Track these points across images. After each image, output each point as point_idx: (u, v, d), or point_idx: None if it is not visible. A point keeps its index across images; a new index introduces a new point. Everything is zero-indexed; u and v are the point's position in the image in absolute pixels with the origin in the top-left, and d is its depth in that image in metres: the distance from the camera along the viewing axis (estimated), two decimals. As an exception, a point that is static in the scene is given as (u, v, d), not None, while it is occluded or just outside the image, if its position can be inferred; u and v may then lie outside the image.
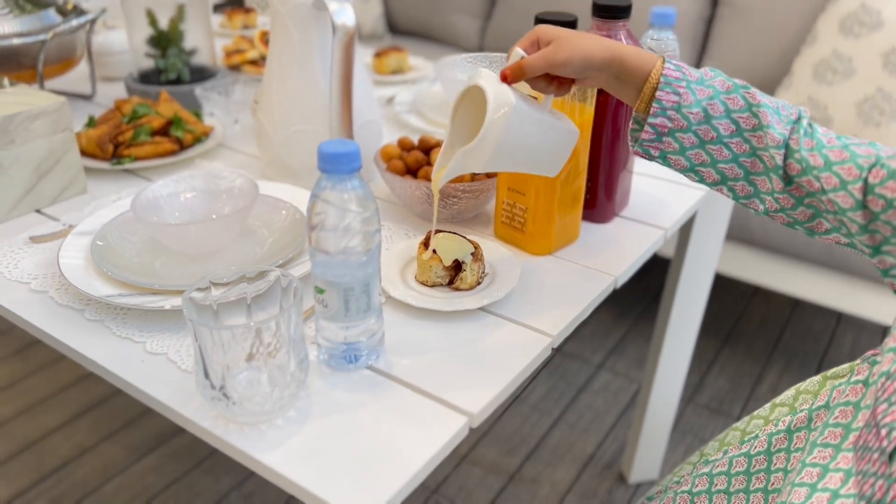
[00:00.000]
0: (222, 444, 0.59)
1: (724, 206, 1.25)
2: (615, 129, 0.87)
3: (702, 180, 0.70)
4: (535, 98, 0.71)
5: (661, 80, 0.65)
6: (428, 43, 2.61)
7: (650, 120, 0.66)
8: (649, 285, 2.18)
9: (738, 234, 1.75)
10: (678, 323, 1.33)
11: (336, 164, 0.58)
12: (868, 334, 2.02)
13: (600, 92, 0.84)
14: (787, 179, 0.66)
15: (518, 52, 0.68)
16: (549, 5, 2.25)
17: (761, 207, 0.69)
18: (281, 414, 0.61)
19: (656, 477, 1.56)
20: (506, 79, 0.68)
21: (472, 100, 0.70)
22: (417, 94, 1.27)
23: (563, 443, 1.65)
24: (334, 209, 0.59)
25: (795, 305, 2.12)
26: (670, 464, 1.60)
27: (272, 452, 0.57)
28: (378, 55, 1.42)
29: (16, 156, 0.87)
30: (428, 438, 0.59)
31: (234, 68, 1.38)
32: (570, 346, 1.94)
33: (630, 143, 0.72)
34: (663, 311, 1.32)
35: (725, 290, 2.18)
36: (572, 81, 0.70)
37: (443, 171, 0.71)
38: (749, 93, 0.66)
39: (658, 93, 0.65)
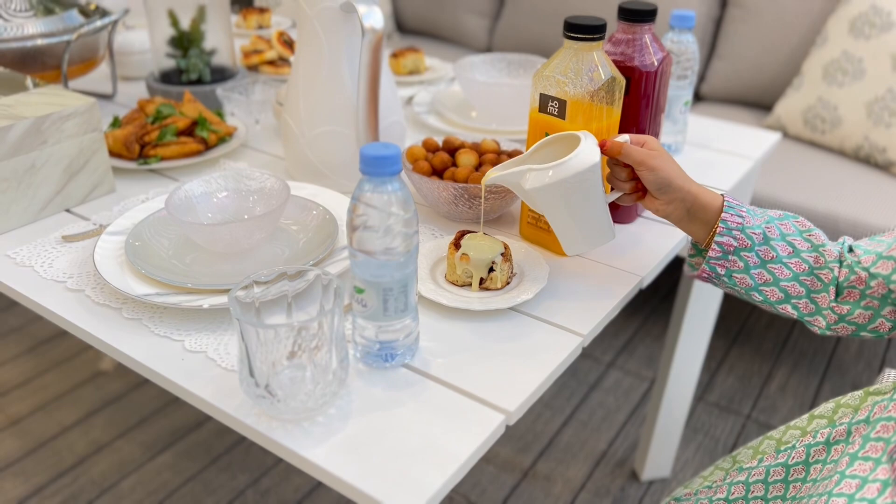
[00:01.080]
0: (267, 440, 0.60)
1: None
2: (639, 130, 0.88)
3: (766, 300, 0.75)
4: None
5: (725, 204, 0.73)
6: (436, 42, 2.62)
7: (717, 238, 0.72)
8: (659, 284, 2.19)
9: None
10: (693, 322, 1.34)
11: (378, 167, 0.59)
12: (876, 333, 2.03)
13: (626, 93, 0.85)
14: (838, 290, 0.73)
15: (624, 136, 0.75)
16: (557, 8, 2.26)
17: (823, 323, 0.75)
18: (322, 411, 0.62)
19: (668, 475, 1.58)
20: (603, 146, 0.74)
21: (564, 145, 0.76)
22: (436, 94, 1.28)
23: (576, 440, 1.66)
24: (376, 211, 0.60)
25: (803, 304, 2.13)
26: (682, 461, 1.61)
27: (316, 449, 0.59)
28: (395, 56, 1.43)
29: (48, 156, 0.89)
30: (466, 436, 0.60)
31: (253, 69, 1.39)
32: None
33: (688, 268, 0.80)
34: (678, 310, 1.34)
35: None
36: (644, 194, 0.76)
37: (501, 173, 0.75)
38: (798, 220, 0.74)
39: (724, 214, 0.72)
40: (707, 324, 1.39)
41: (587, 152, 0.72)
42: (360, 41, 0.88)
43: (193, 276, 0.77)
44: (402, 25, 2.70)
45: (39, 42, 1.11)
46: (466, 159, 0.91)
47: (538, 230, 0.86)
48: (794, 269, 0.73)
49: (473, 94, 1.21)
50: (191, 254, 0.81)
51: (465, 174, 0.88)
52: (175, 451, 1.61)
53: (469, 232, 0.81)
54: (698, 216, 0.74)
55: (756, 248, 0.73)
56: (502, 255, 0.77)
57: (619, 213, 0.93)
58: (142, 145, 1.03)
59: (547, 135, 0.81)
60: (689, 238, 0.81)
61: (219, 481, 1.54)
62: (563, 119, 0.79)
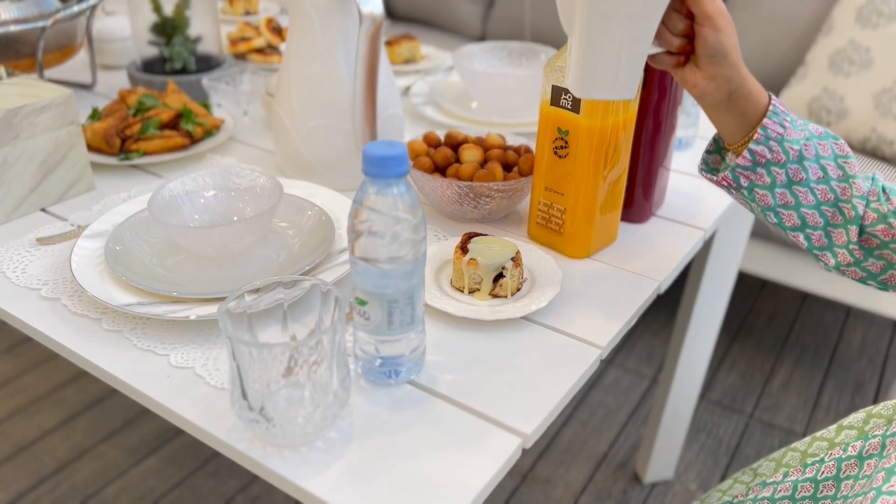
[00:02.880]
0: (261, 469, 0.55)
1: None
2: (656, 123, 0.83)
3: (780, 223, 0.69)
4: None
5: (771, 107, 0.65)
6: (428, 29, 2.55)
7: (752, 146, 0.65)
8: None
9: (752, 229, 1.72)
10: (700, 321, 1.30)
11: (383, 168, 0.54)
12: (878, 328, 2.00)
13: (643, 85, 0.80)
14: (861, 230, 0.67)
15: None
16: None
17: (832, 261, 0.69)
18: (322, 435, 0.57)
19: (671, 476, 1.54)
20: None
21: None
22: (434, 84, 1.23)
23: (576, 441, 1.62)
24: (381, 216, 0.55)
25: (804, 299, 2.10)
26: (685, 463, 1.57)
27: (315, 479, 0.53)
28: (389, 44, 1.37)
29: (20, 151, 0.82)
30: (480, 463, 0.55)
31: (240, 57, 1.33)
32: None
33: (703, 165, 0.73)
34: (685, 308, 1.29)
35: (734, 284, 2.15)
36: (687, 57, 0.66)
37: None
38: (838, 143, 0.67)
39: (766, 120, 0.65)
40: (714, 321, 1.35)
41: None
42: (358, 29, 0.82)
43: (179, 283, 0.72)
44: (392, 12, 2.63)
45: (12, 28, 1.04)
46: (471, 155, 0.86)
47: (549, 231, 0.81)
48: (819, 196, 0.67)
49: (474, 84, 1.15)
50: (175, 258, 0.76)
51: (470, 171, 0.83)
52: (161, 456, 1.55)
53: (476, 234, 0.76)
54: (738, 105, 0.66)
55: (788, 164, 0.66)
56: (512, 259, 0.72)
57: (632, 211, 0.88)
58: (123, 139, 0.97)
59: (560, 130, 0.75)
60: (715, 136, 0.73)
61: (207, 487, 1.48)
62: (578, 113, 0.74)
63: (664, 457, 1.50)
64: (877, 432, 0.69)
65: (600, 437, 1.63)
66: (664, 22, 0.64)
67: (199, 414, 0.59)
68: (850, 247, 0.68)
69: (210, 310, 0.66)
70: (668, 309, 2.02)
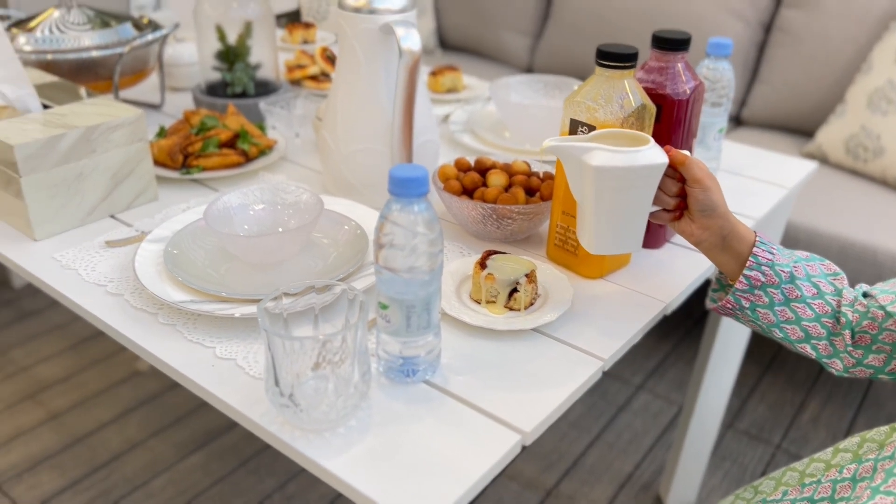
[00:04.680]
0: (288, 449, 0.62)
1: (775, 232, 1.26)
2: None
3: (787, 338, 0.76)
4: None
5: (758, 240, 0.74)
6: (478, 59, 2.64)
7: (745, 272, 0.73)
8: (692, 308, 2.17)
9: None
10: (723, 347, 1.33)
11: (406, 189, 0.61)
12: (915, 367, 1.98)
13: (657, 120, 0.85)
14: (853, 333, 0.74)
15: (685, 151, 0.75)
16: (600, 29, 2.27)
17: (840, 366, 0.76)
18: (343, 423, 0.64)
19: (693, 501, 1.56)
20: (667, 152, 0.74)
21: (622, 141, 0.75)
22: (472, 113, 1.30)
23: (601, 462, 1.65)
24: (402, 230, 0.62)
25: (840, 335, 2.09)
26: (708, 488, 1.59)
27: (335, 459, 0.60)
28: (433, 74, 1.45)
29: (95, 164, 0.92)
30: (482, 454, 0.61)
31: (295, 83, 1.43)
32: (611, 366, 1.95)
33: (710, 301, 0.81)
34: (707, 336, 1.33)
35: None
36: (680, 216, 0.77)
37: (566, 143, 0.74)
38: (825, 264, 0.76)
39: (755, 249, 0.73)
40: (737, 350, 1.38)
41: (659, 150, 0.73)
42: (398, 62, 0.90)
43: (227, 285, 0.80)
44: (444, 42, 2.73)
45: (94, 54, 1.16)
46: (496, 180, 0.93)
47: (565, 252, 0.87)
48: (817, 310, 0.74)
49: (507, 114, 1.22)
50: (225, 263, 0.84)
51: (495, 194, 0.90)
52: (206, 453, 1.64)
53: (496, 252, 0.82)
54: (731, 247, 0.75)
55: (782, 285, 0.74)
56: (527, 276, 0.78)
57: (648, 237, 0.93)
58: (185, 155, 1.07)
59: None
60: (715, 272, 0.82)
61: (247, 484, 1.57)
62: (593, 145, 0.80)
63: (687, 482, 1.52)
64: (870, 456, 0.73)
65: (626, 459, 1.66)
66: (660, 186, 0.75)
67: (238, 399, 0.66)
68: (849, 349, 0.75)
69: (252, 309, 0.74)
70: (701, 337, 2.04)
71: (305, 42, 1.70)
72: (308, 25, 1.71)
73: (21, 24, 1.21)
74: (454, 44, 2.71)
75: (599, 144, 0.72)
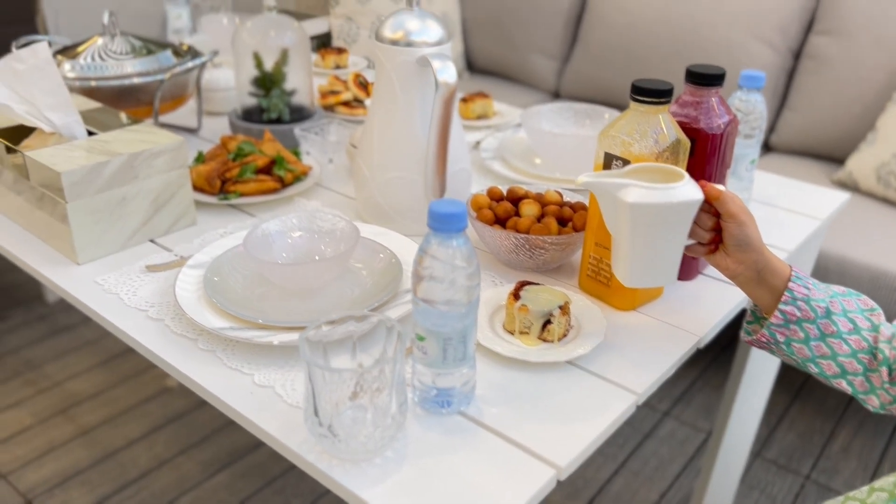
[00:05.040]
0: (326, 478, 0.63)
1: (806, 262, 1.25)
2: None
3: (822, 373, 0.76)
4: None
5: (793, 274, 0.74)
6: (505, 83, 2.66)
7: (781, 307, 0.74)
8: (719, 335, 2.15)
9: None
10: (753, 375, 1.32)
11: (446, 224, 0.62)
12: (948, 398, 1.94)
13: (690, 154, 0.86)
14: (889, 370, 0.73)
15: (720, 186, 0.76)
16: (628, 54, 2.28)
17: (877, 402, 0.75)
18: (380, 453, 0.65)
19: (721, 531, 1.54)
20: (703, 187, 0.75)
21: (656, 176, 0.76)
22: (503, 140, 1.31)
23: (627, 490, 1.64)
24: (441, 264, 0.63)
25: (871, 363, 2.06)
26: (736, 519, 1.57)
27: (372, 489, 0.61)
28: (464, 100, 1.47)
29: (138, 189, 0.95)
30: (518, 488, 0.62)
31: (329, 108, 1.45)
32: (636, 391, 1.94)
33: (744, 334, 0.81)
34: (738, 362, 1.32)
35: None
36: (714, 249, 0.77)
37: (600, 179, 0.74)
38: (861, 299, 0.76)
39: (791, 284, 0.73)
40: (767, 378, 1.37)
41: (694, 186, 0.73)
42: (434, 93, 0.92)
43: (265, 311, 0.81)
44: (472, 65, 2.76)
45: (136, 80, 1.19)
46: (529, 210, 0.94)
47: (598, 283, 0.88)
48: (854, 345, 0.74)
49: (539, 142, 1.23)
50: (262, 287, 0.86)
51: (528, 224, 0.90)
52: (232, 472, 1.66)
53: (529, 282, 0.83)
54: (767, 281, 0.75)
55: (818, 320, 0.74)
56: (560, 308, 0.79)
57: (682, 269, 0.93)
58: (223, 181, 1.09)
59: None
60: (750, 304, 0.81)
61: (272, 504, 1.58)
62: (627, 178, 0.80)
63: (714, 511, 1.50)
64: None
65: (651, 487, 1.65)
66: (695, 220, 0.76)
67: (276, 427, 0.68)
68: (886, 386, 0.74)
69: (291, 337, 0.75)
70: (728, 364, 2.02)
71: (338, 67, 1.73)
72: (340, 51, 1.74)
73: (66, 50, 1.25)
74: (481, 67, 2.73)
75: (634, 181, 0.73)
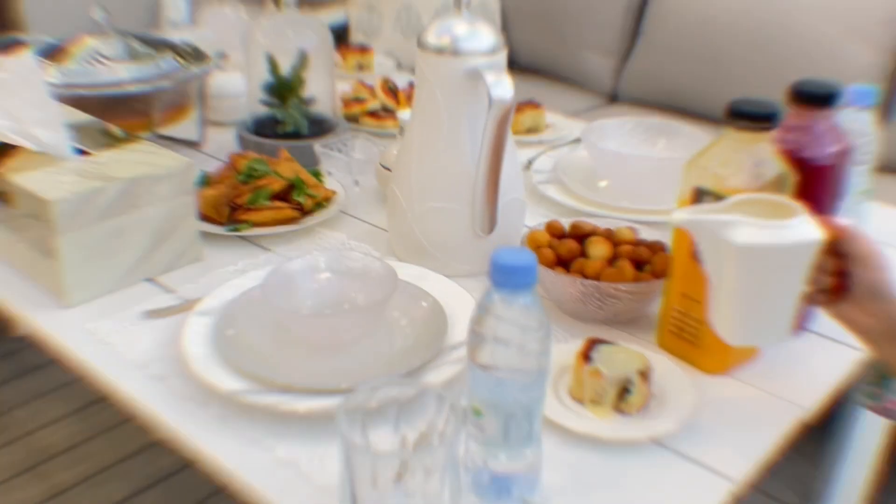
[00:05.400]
0: (366, 581, 0.62)
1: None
2: (809, 231, 0.88)
3: None
4: None
5: None
6: (552, 84, 2.64)
7: None
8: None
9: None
10: (859, 445, 1.30)
11: (513, 278, 0.62)
12: None
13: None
14: None
15: (847, 221, 0.74)
16: (701, 50, 2.27)
17: None
18: (429, 551, 0.64)
19: None
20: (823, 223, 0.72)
21: (775, 209, 0.73)
22: (559, 161, 1.31)
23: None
24: (506, 325, 0.62)
25: None
26: None
27: None
28: (511, 110, 1.47)
29: (136, 220, 0.95)
30: None
31: (352, 119, 1.46)
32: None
33: (865, 398, 0.80)
34: (839, 429, 1.29)
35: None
36: (837, 298, 0.74)
37: (702, 216, 0.73)
38: None
39: None
40: (873, 449, 1.34)
41: (812, 224, 0.71)
42: (486, 112, 0.91)
43: (288, 370, 0.81)
44: (513, 62, 2.75)
45: (132, 89, 1.20)
46: (598, 250, 0.93)
47: (682, 341, 0.87)
48: None
49: (603, 163, 1.23)
50: (285, 339, 0.85)
51: (597, 268, 0.90)
52: (230, 545, 1.65)
53: (600, 340, 0.82)
54: None
55: None
56: (640, 373, 0.78)
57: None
58: (232, 207, 1.09)
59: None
60: (873, 363, 0.79)
61: (276, 585, 1.56)
62: (721, 217, 0.79)
63: None
64: None
65: (730, 575, 1.62)
66: (815, 273, 0.73)
67: (303, 514, 0.67)
68: None
69: (318, 402, 0.75)
70: (822, 428, 1.99)
71: (361, 68, 1.74)
72: (364, 50, 1.76)
73: (50, 52, 1.26)
74: (524, 64, 2.73)
75: (741, 217, 0.71)
